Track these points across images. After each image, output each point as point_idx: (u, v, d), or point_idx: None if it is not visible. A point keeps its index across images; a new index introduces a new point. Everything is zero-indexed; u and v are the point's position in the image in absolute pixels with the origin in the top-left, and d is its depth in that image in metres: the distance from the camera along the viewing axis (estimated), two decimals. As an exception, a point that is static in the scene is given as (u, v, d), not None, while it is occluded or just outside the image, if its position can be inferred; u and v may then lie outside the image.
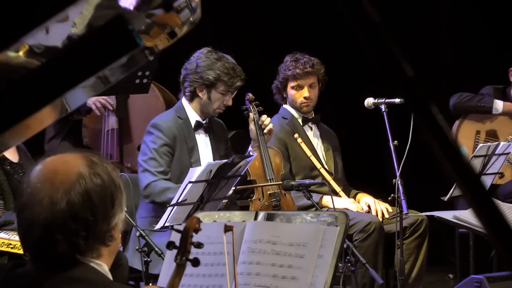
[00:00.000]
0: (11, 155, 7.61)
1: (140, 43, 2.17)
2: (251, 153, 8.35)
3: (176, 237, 4.42)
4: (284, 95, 9.02)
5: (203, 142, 8.36)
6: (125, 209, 5.80)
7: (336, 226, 5.23)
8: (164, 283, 5.43)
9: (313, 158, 8.87)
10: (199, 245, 4.29)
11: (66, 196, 3.35)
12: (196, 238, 5.41)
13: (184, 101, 8.35)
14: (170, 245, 4.32)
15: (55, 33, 2.21)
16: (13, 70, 2.28)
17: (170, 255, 5.55)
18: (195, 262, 4.31)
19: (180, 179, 7.74)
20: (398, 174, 8.43)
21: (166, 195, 7.84)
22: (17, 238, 5.60)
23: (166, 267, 5.48)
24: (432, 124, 1.86)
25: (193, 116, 8.29)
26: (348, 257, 7.90)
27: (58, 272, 3.44)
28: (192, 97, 8.26)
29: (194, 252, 4.62)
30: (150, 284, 7.23)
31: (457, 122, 9.88)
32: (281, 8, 12.30)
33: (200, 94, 8.21)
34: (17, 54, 2.28)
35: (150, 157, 8.13)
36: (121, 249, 7.57)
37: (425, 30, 12.54)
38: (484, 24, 12.25)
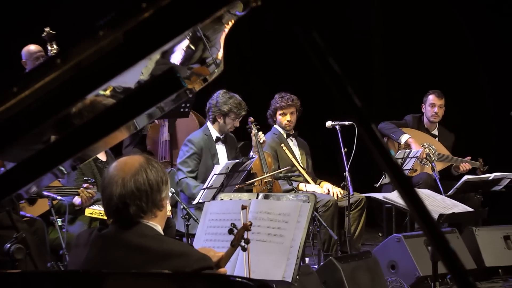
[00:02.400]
0: (102, 156, 7.60)
1: (184, 85, 2.14)
2: (253, 156, 8.39)
3: (237, 221, 4.46)
4: (274, 119, 9.10)
5: (221, 150, 8.47)
6: (172, 189, 5.81)
7: (308, 202, 5.20)
8: (199, 239, 5.41)
9: (293, 159, 8.93)
10: (247, 241, 4.30)
11: (132, 178, 3.46)
12: (219, 209, 5.39)
13: (208, 123, 8.49)
14: (231, 232, 4.29)
15: (129, 79, 2.19)
16: (101, 103, 2.26)
17: (202, 221, 5.53)
18: (243, 249, 4.33)
19: (205, 175, 7.87)
20: (347, 169, 8.43)
21: (189, 190, 8.11)
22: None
23: (199, 229, 5.45)
24: (372, 136, 1.83)
25: (214, 133, 8.41)
26: (315, 222, 7.87)
27: (129, 230, 3.49)
28: (213, 121, 8.40)
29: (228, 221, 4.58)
30: (189, 241, 7.14)
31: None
32: (272, 60, 12.27)
33: (218, 120, 8.33)
34: (105, 92, 2.26)
35: (183, 161, 8.27)
36: (171, 217, 7.55)
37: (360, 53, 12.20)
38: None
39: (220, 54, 2.44)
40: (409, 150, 9.29)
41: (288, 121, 9.00)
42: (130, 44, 1.92)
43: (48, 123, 2.07)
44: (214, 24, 2.24)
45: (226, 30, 2.37)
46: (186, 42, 2.28)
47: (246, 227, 4.33)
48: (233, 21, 2.31)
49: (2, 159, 2.27)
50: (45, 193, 6.74)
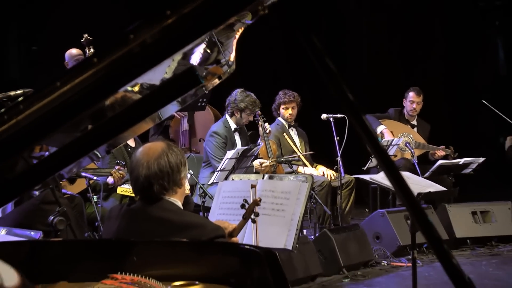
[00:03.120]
0: (131, 142, 7.59)
1: (202, 82, 2.13)
2: (259, 143, 8.40)
3: (247, 198, 4.46)
4: (278, 112, 9.09)
5: (238, 139, 8.46)
6: (190, 171, 5.77)
7: (306, 183, 5.19)
8: (213, 213, 5.40)
9: (293, 146, 8.93)
10: (257, 214, 4.30)
11: (156, 161, 3.49)
12: (231, 188, 5.35)
13: (227, 116, 8.49)
14: (243, 206, 4.30)
15: (155, 77, 2.18)
16: (130, 98, 2.25)
17: (216, 198, 5.53)
18: (253, 221, 4.34)
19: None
20: (339, 154, 8.39)
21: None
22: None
23: (214, 205, 5.45)
24: (363, 126, 1.82)
25: (232, 125, 8.43)
26: (312, 199, 7.86)
27: (153, 205, 3.50)
28: (231, 115, 8.42)
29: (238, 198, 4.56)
30: (204, 214, 7.14)
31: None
32: (277, 61, 12.27)
33: (236, 114, 8.36)
34: (133, 88, 2.25)
35: (215, 151, 8.27)
36: (190, 194, 7.55)
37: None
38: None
39: (232, 56, 2.43)
40: (392, 139, 9.29)
41: (289, 114, 9.01)
42: (155, 45, 1.91)
43: (85, 114, 2.06)
44: (227, 30, 2.24)
45: (237, 36, 2.36)
46: (203, 46, 2.27)
47: (256, 203, 4.33)
48: (243, 28, 2.30)
49: (46, 144, 2.26)
50: (83, 174, 6.78)
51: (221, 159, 8.04)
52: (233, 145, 8.36)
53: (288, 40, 11.05)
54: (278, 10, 1.87)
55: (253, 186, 4.86)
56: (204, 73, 2.39)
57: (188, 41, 1.95)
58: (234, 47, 2.39)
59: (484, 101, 9.06)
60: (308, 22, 1.81)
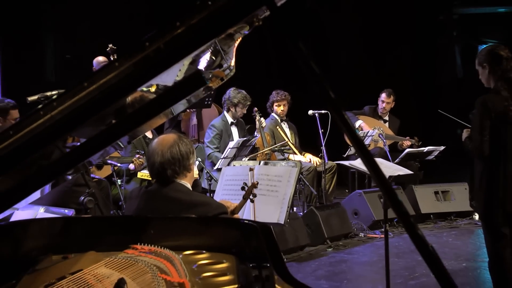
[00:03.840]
0: (149, 134, 7.57)
1: (207, 83, 2.12)
2: (256, 135, 8.37)
3: (246, 181, 4.47)
4: (272, 109, 9.06)
5: (234, 131, 8.43)
6: (199, 158, 5.74)
7: (295, 168, 5.18)
8: (218, 194, 5.39)
9: (285, 137, 8.87)
10: (255, 195, 4.30)
11: (169, 150, 3.48)
12: (233, 172, 5.33)
13: (225, 112, 8.44)
14: (243, 188, 4.30)
15: (168, 78, 2.16)
16: (147, 97, 2.24)
17: (220, 181, 5.51)
18: (251, 200, 4.35)
19: (224, 149, 7.81)
20: (323, 144, 8.41)
21: (216, 160, 7.94)
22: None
23: (218, 187, 5.43)
24: (344, 120, 1.80)
25: (229, 119, 8.38)
26: (300, 182, 7.86)
27: (167, 186, 3.50)
28: (228, 110, 8.38)
29: (239, 181, 4.54)
30: (212, 195, 7.11)
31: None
32: (270, 64, 12.23)
33: (231, 109, 8.32)
34: (150, 89, 2.24)
35: (210, 141, 8.22)
36: (198, 178, 7.54)
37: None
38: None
39: (233, 62, 2.42)
40: (368, 130, 9.30)
41: (281, 110, 8.97)
42: (168, 51, 1.90)
43: (109, 109, 2.05)
44: (228, 40, 2.22)
45: (236, 44, 2.35)
46: (209, 54, 2.27)
47: (254, 185, 4.34)
48: (241, 38, 2.29)
49: (77, 136, 2.25)
50: (109, 161, 6.79)
51: (214, 148, 8.17)
52: (229, 137, 8.34)
53: (278, 46, 11.00)
54: (270, 22, 1.86)
55: (251, 170, 4.85)
56: (209, 76, 2.38)
57: (195, 47, 1.94)
58: (234, 54, 2.38)
59: (440, 111, 9.02)
60: (295, 32, 1.79)
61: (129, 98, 2.30)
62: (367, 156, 1.83)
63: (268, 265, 2.17)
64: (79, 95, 1.93)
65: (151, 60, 1.90)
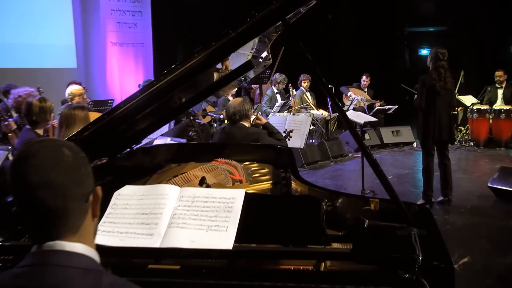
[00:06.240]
0: (230, 97, 7.17)
1: (254, 67, 2.00)
2: (291, 99, 8.14)
3: (287, 128, 4.30)
4: (300, 84, 8.59)
5: (278, 96, 8.25)
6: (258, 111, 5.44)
7: (310, 117, 5.01)
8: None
9: (308, 100, 8.54)
10: (291, 136, 4.31)
11: (237, 106, 3.50)
12: (278, 120, 5.11)
13: (273, 86, 8.10)
14: (285, 131, 4.32)
15: (238, 61, 2.07)
16: (223, 73, 2.16)
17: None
18: (288, 139, 4.25)
19: (272, 108, 7.57)
20: (329, 104, 8.19)
21: (267, 111, 7.65)
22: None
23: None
24: (329, 93, 1.69)
25: (275, 90, 8.15)
26: (316, 125, 7.71)
27: (235, 125, 3.56)
28: (275, 85, 8.10)
29: (281, 127, 4.40)
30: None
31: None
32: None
33: (276, 85, 8.09)
34: (226, 71, 2.16)
35: (265, 102, 7.83)
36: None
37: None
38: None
39: (268, 55, 2.30)
40: (355, 96, 8.97)
41: (306, 85, 8.51)
42: (229, 44, 1.78)
43: (205, 74, 1.91)
44: (264, 41, 2.13)
45: (269, 44, 2.24)
46: (255, 48, 2.17)
47: (291, 130, 4.28)
48: (271, 40, 2.18)
49: (183, 97, 2.18)
50: (209, 113, 6.78)
51: (266, 106, 7.80)
52: (275, 100, 8.07)
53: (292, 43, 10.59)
54: (284, 31, 1.75)
55: (290, 131, 4.56)
56: (257, 64, 2.26)
57: (243, 43, 1.82)
58: (268, 49, 2.28)
59: (402, 85, 8.63)
60: (299, 36, 1.68)
61: (214, 74, 2.23)
62: (345, 116, 1.76)
63: (289, 170, 2.12)
64: (190, 62, 1.78)
65: (232, 39, 1.76)
